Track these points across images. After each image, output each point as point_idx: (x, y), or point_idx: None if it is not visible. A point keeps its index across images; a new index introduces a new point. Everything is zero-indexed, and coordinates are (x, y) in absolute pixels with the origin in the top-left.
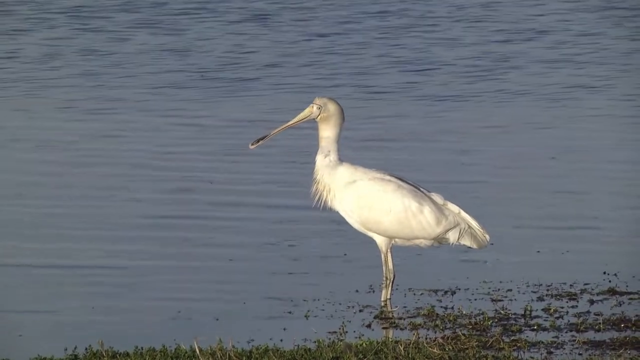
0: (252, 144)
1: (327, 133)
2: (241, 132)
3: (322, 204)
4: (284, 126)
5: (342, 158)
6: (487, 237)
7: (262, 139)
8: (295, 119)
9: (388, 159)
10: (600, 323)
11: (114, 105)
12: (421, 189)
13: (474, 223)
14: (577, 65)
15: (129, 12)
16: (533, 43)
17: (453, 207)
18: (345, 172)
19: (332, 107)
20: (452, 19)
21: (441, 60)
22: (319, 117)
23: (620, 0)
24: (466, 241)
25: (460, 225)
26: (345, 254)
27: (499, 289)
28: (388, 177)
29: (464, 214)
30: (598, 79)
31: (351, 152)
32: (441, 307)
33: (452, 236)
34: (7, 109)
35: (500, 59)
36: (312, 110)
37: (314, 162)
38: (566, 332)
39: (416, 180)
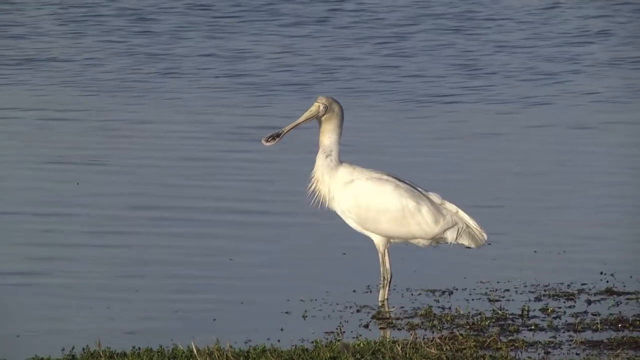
0: (267, 141)
1: (331, 133)
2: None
3: (320, 203)
4: (294, 124)
5: (341, 158)
6: (485, 236)
7: (277, 136)
8: (304, 117)
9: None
10: (597, 323)
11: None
12: (418, 189)
13: (471, 222)
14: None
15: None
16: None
17: (450, 207)
18: (344, 172)
19: (336, 107)
20: (513, 20)
21: (500, 63)
22: (324, 116)
23: None
24: (464, 240)
25: (458, 224)
26: (344, 254)
27: (496, 289)
28: (386, 177)
29: (461, 213)
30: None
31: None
32: (439, 307)
33: (450, 236)
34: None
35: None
36: (318, 108)
37: (314, 161)
38: (564, 332)
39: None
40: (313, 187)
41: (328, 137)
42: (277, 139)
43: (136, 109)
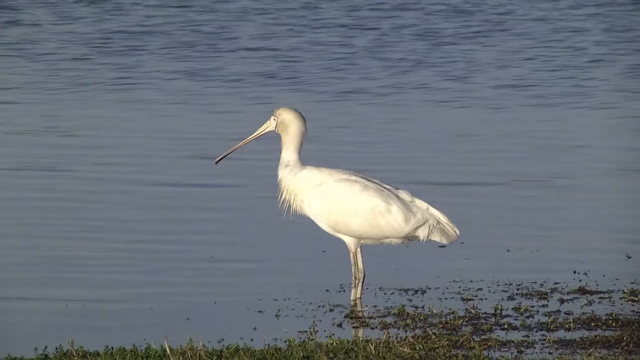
0: (217, 161)
1: (288, 144)
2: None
3: (292, 212)
4: (243, 142)
5: (305, 163)
6: (457, 231)
7: (224, 156)
8: (255, 133)
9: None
10: (570, 322)
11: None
12: (387, 187)
13: (442, 218)
14: None
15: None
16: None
17: (421, 204)
18: (310, 175)
19: (287, 117)
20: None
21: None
22: (277, 128)
23: None
24: (436, 237)
25: (429, 221)
26: (324, 251)
27: (469, 288)
28: (354, 178)
29: (432, 210)
30: None
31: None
32: (412, 306)
33: (421, 233)
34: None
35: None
36: (270, 122)
37: (277, 174)
38: (536, 331)
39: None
40: (282, 198)
41: (285, 148)
42: (222, 158)
43: None
